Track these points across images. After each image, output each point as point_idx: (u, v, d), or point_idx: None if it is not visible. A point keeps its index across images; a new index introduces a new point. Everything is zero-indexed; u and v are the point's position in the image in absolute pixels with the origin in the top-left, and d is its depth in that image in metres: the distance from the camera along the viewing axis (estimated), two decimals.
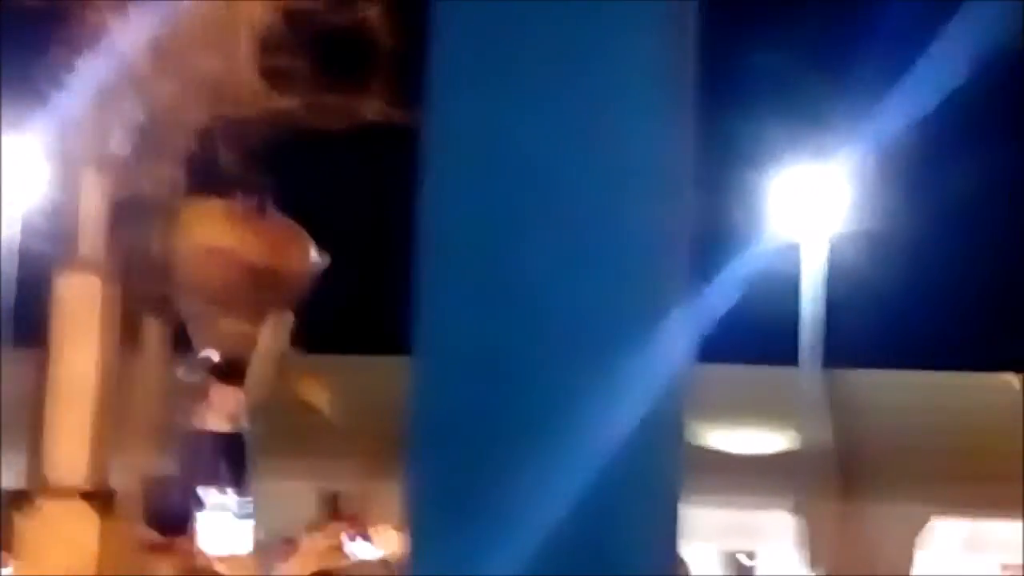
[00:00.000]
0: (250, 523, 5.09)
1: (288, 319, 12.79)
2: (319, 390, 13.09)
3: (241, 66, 10.24)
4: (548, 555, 2.00)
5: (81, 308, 11.17)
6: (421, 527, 2.08)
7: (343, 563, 6.01)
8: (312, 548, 5.96)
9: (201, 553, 4.99)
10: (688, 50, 2.20)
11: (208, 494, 5.14)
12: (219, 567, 5.05)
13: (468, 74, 2.14)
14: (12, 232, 19.84)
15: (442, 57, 2.16)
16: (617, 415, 1.99)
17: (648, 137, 2.14)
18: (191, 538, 5.10)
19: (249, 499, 5.32)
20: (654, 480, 2.08)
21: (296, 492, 15.47)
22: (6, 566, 7.88)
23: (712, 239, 19.09)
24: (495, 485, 2.03)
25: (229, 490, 5.67)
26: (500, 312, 2.07)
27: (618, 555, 2.03)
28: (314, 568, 5.92)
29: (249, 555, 5.16)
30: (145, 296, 10.51)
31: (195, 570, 5.23)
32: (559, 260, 2.09)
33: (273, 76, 10.56)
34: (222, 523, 5.09)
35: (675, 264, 2.17)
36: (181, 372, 12.54)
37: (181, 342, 12.24)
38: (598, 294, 2.07)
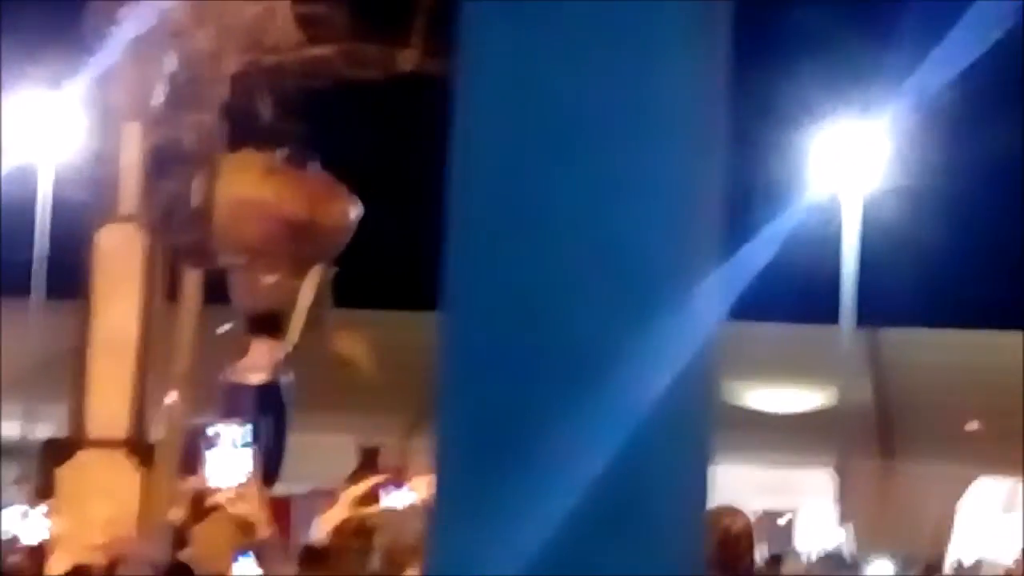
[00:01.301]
0: (250, 451, 5.13)
1: (328, 273, 12.80)
2: (358, 345, 13.10)
3: (277, 14, 10.23)
4: (579, 511, 1.98)
5: (122, 260, 11.21)
6: (449, 483, 2.06)
7: (377, 510, 6.02)
8: (348, 498, 5.97)
9: (210, 491, 5.01)
10: (721, 5, 2.17)
11: (215, 430, 5.15)
12: (227, 503, 5.06)
13: (499, 22, 2.11)
14: (49, 184, 19.95)
15: (474, 11, 2.13)
16: (649, 369, 1.97)
17: (681, 88, 2.11)
18: (200, 477, 5.12)
19: (249, 427, 5.34)
20: (687, 436, 2.06)
21: (337, 446, 15.53)
22: (47, 517, 7.94)
23: (752, 196, 19.00)
24: (523, 441, 2.01)
25: (232, 423, 5.70)
26: (530, 263, 2.05)
27: (651, 509, 2.01)
28: (350, 514, 5.93)
29: (255, 489, 5.18)
30: (183, 247, 10.53)
31: (204, 510, 5.24)
32: (590, 212, 2.06)
33: (310, 24, 10.54)
34: (227, 456, 5.12)
35: (708, 218, 2.15)
36: (222, 326, 12.58)
37: (220, 293, 12.27)
38: (629, 249, 2.05)
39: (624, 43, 2.04)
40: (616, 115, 2.02)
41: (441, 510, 1.99)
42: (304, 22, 10.49)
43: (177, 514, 5.28)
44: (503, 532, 1.94)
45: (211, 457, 5.23)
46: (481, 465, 1.98)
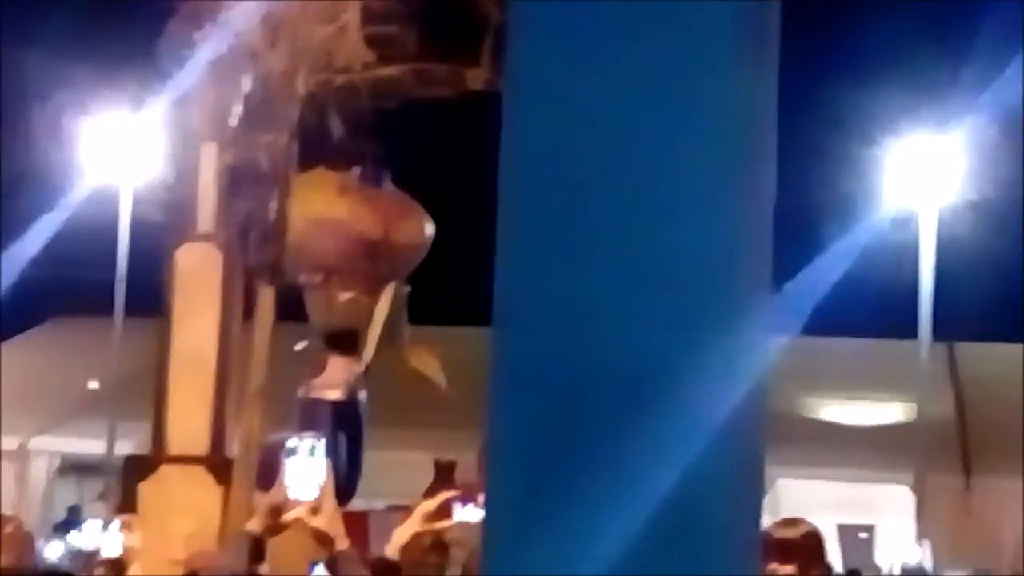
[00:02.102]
0: (324, 463, 5.19)
1: (403, 290, 12.90)
2: (432, 361, 13.19)
3: (348, 34, 10.34)
4: (632, 529, 2.00)
5: (200, 278, 11.35)
6: (501, 501, 2.08)
7: (450, 524, 6.07)
8: (420, 512, 6.02)
9: (288, 503, 5.08)
10: (771, 17, 2.19)
11: (293, 442, 5.23)
12: (304, 516, 5.12)
13: (547, 38, 2.15)
14: (129, 205, 20.22)
15: (522, 22, 2.17)
16: (700, 386, 1.99)
17: (728, 103, 2.13)
18: (279, 489, 5.19)
19: (324, 440, 5.41)
20: (739, 452, 2.07)
21: (413, 462, 15.61)
22: (129, 532, 8.07)
23: (829, 210, 18.94)
24: (573, 458, 2.03)
25: (311, 436, 5.76)
26: (579, 279, 2.08)
27: (705, 526, 2.02)
28: (419, 530, 5.97)
29: (332, 502, 5.24)
30: (258, 265, 10.66)
31: (281, 523, 5.30)
32: (638, 227, 2.09)
33: (380, 44, 10.64)
34: (304, 468, 5.18)
35: (757, 233, 2.17)
36: (299, 343, 12.71)
37: (297, 312, 12.41)
38: (679, 264, 2.07)
39: (671, 58, 2.07)
40: (664, 130, 2.05)
41: (493, 529, 2.02)
42: (374, 42, 10.59)
43: (254, 526, 5.37)
44: (554, 551, 1.97)
45: (289, 469, 5.30)
46: (532, 484, 2.01)
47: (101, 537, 7.99)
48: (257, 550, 5.65)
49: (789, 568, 5.02)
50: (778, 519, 5.54)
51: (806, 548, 5.29)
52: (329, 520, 5.37)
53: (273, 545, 6.41)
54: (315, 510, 5.32)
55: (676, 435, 2.01)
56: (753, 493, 2.12)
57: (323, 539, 5.34)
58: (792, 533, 5.25)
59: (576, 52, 2.09)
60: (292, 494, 5.32)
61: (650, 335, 2.02)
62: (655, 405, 2.01)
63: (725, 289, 2.05)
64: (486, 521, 2.09)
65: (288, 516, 5.36)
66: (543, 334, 2.04)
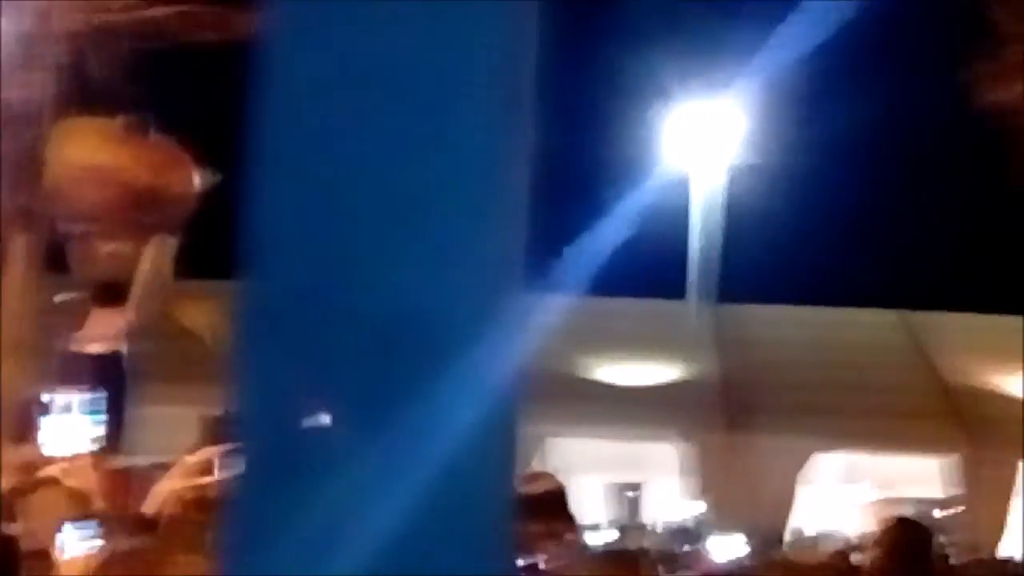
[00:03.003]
0: (98, 418, 4.98)
1: (171, 242, 12.58)
2: (200, 315, 12.92)
3: None
4: (383, 495, 1.90)
5: None
6: (250, 456, 1.96)
7: (213, 480, 5.91)
8: (182, 468, 5.85)
9: (43, 459, 4.85)
10: None
11: (52, 397, 5.00)
12: (61, 475, 4.91)
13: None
14: None
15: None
16: (452, 339, 1.90)
17: (485, 41, 2.02)
18: (32, 445, 4.97)
19: (99, 395, 5.19)
20: (494, 412, 1.99)
21: (179, 418, 15.31)
22: None
23: (606, 173, 19.09)
24: (322, 389, 1.92)
25: (67, 391, 5.53)
26: (330, 230, 1.97)
27: (457, 491, 1.93)
28: (179, 486, 5.80)
29: (91, 457, 5.04)
30: (12, 211, 10.29)
31: (32, 480, 5.09)
32: (392, 173, 1.99)
33: None
34: (66, 424, 4.96)
35: (513, 184, 2.09)
36: (59, 295, 12.32)
37: (55, 262, 12.03)
38: (432, 211, 1.98)
39: (433, 10, 1.97)
40: (419, 67, 1.96)
41: (241, 491, 1.90)
42: None
43: (6, 484, 5.12)
44: (305, 518, 1.86)
45: (44, 425, 5.06)
46: (280, 441, 1.89)
47: None
48: (8, 509, 5.39)
49: (536, 526, 4.99)
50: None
51: (550, 503, 5.27)
52: (85, 478, 5.16)
53: (26, 503, 6.16)
54: (73, 467, 5.11)
55: (430, 387, 1.93)
56: (508, 449, 2.05)
57: (79, 497, 5.13)
58: (535, 489, 5.22)
59: None
60: (49, 451, 5.09)
61: (402, 282, 1.93)
62: (408, 355, 1.93)
63: (480, 238, 1.97)
64: (235, 483, 1.97)
65: (42, 473, 5.13)
66: (292, 282, 1.94)
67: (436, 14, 2.01)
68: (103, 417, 10.50)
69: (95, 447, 5.79)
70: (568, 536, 5.65)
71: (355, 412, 1.95)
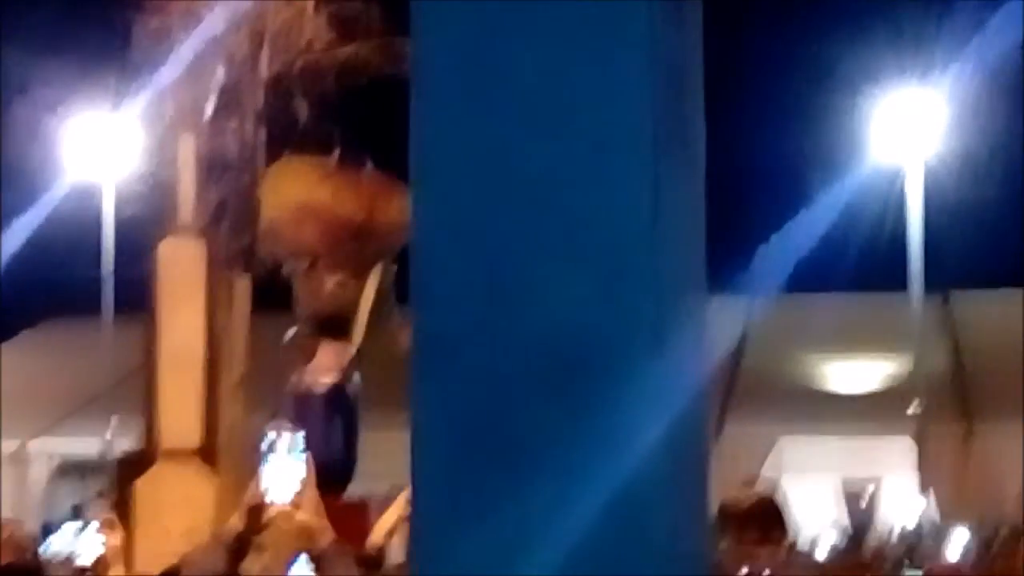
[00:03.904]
0: (303, 458, 5.13)
1: (390, 270, 12.84)
2: None
3: (308, 14, 10.27)
4: (570, 510, 1.89)
5: (183, 270, 11.31)
6: (427, 486, 1.98)
7: None
8: (405, 499, 5.94)
9: (268, 500, 5.00)
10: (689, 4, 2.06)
11: (271, 438, 5.15)
12: (289, 512, 5.05)
13: (456, 7, 2.02)
14: (111, 201, 20.12)
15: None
16: (634, 354, 1.89)
17: (646, 67, 1.99)
18: (257, 486, 5.12)
19: (301, 434, 5.33)
20: (679, 431, 1.97)
21: (406, 443, 15.55)
22: (111, 532, 7.97)
23: (812, 165, 18.87)
24: (497, 414, 1.93)
25: (291, 428, 5.67)
26: (494, 244, 1.98)
27: (646, 502, 1.91)
28: (405, 513, 5.91)
29: (313, 496, 5.17)
30: (233, 254, 10.61)
31: (262, 520, 5.24)
32: (552, 187, 1.98)
33: (342, 22, 10.57)
34: (283, 464, 5.11)
35: (684, 183, 2.06)
36: (288, 331, 12.65)
37: (278, 299, 12.35)
38: (599, 234, 1.96)
39: (581, 21, 1.95)
40: (573, 91, 1.95)
41: (421, 515, 1.94)
42: (336, 21, 10.52)
43: (235, 524, 5.29)
44: (486, 535, 1.88)
45: (268, 466, 5.22)
46: (458, 466, 1.92)
47: (78, 540, 7.92)
48: (240, 548, 5.58)
49: (752, 534, 4.96)
50: (742, 479, 5.48)
51: (764, 511, 5.23)
52: (312, 514, 5.30)
53: (256, 542, 6.35)
54: (297, 505, 5.25)
55: (609, 411, 1.93)
56: (697, 464, 2.03)
57: (307, 533, 5.27)
58: (746, 501, 5.20)
59: (487, 13, 1.99)
60: (273, 490, 5.25)
61: (572, 309, 1.93)
62: (581, 382, 1.93)
63: (648, 251, 1.95)
64: (414, 507, 2.01)
65: (271, 512, 5.29)
66: (462, 313, 1.96)
67: (593, 28, 1.99)
68: (337, 447, 10.74)
69: (312, 483, 5.92)
70: (784, 543, 5.62)
71: (536, 432, 1.96)
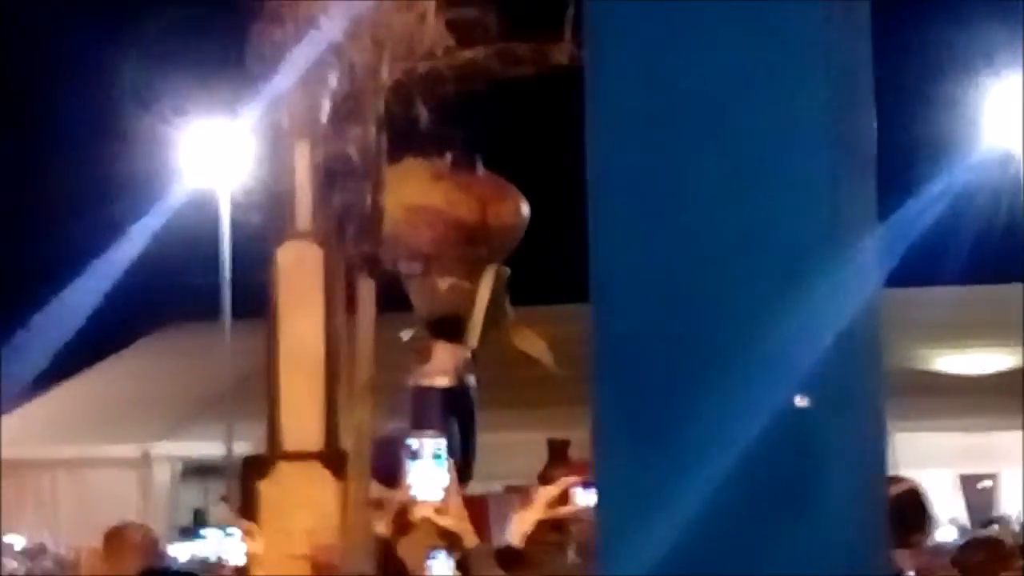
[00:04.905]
0: (445, 464, 5.22)
1: (504, 272, 12.94)
2: (537, 340, 13.22)
3: (428, 20, 10.38)
4: (747, 490, 1.97)
5: (302, 275, 11.47)
6: (610, 469, 2.07)
7: (572, 510, 6.08)
8: (543, 499, 6.03)
9: (414, 503, 5.11)
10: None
11: (418, 443, 5.25)
12: (435, 517, 5.15)
13: (630, 6, 2.11)
14: (228, 208, 20.44)
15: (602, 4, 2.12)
16: (807, 344, 1.96)
17: (821, 64, 2.08)
18: (404, 489, 5.23)
19: (444, 440, 5.43)
20: (855, 406, 2.04)
21: (525, 443, 15.68)
22: (251, 539, 8.17)
23: (925, 151, 18.69)
24: (682, 423, 2.02)
25: (433, 435, 5.77)
26: (674, 248, 2.06)
27: (821, 484, 1.98)
28: (544, 516, 5.99)
29: (458, 499, 5.27)
30: (358, 258, 10.75)
31: (408, 523, 5.35)
32: (730, 195, 2.06)
33: (460, 27, 10.67)
34: (429, 468, 5.21)
35: (858, 183, 2.13)
36: (404, 332, 12.80)
37: (399, 302, 12.50)
38: (774, 228, 2.03)
39: (756, 26, 2.02)
40: (756, 94, 2.02)
41: (604, 497, 2.03)
42: (455, 26, 10.62)
43: (382, 528, 5.40)
44: (668, 519, 1.96)
45: (414, 469, 5.32)
46: (640, 458, 2.01)
47: (223, 544, 8.11)
48: (385, 551, 5.71)
49: (897, 528, 4.97)
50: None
51: (906, 507, 5.23)
52: (456, 518, 5.41)
53: (401, 545, 6.47)
54: (442, 509, 5.36)
55: (786, 395, 1.98)
56: (874, 444, 2.08)
57: (451, 538, 5.38)
58: (893, 491, 5.21)
59: (659, 16, 2.05)
60: (419, 494, 5.37)
61: (751, 303, 1.99)
62: (761, 367, 1.98)
63: (825, 251, 2.01)
64: (599, 496, 2.08)
65: (415, 516, 5.40)
66: (642, 307, 2.02)
67: (770, 30, 2.04)
68: (455, 447, 10.86)
69: (455, 488, 6.02)
70: (927, 537, 5.62)
71: (707, 430, 2.02)
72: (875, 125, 2.08)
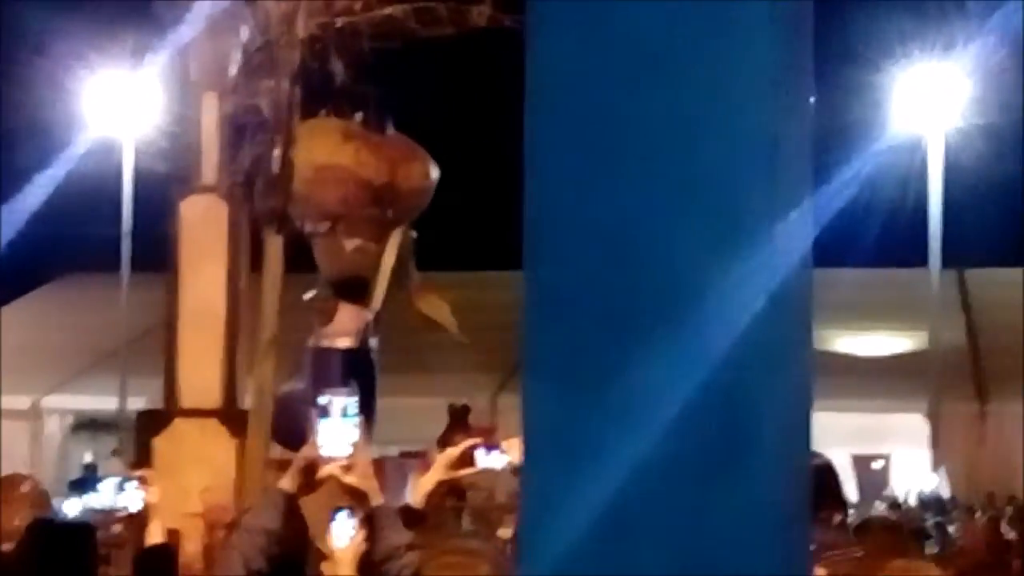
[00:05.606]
0: (355, 421, 5.16)
1: (410, 235, 12.81)
2: (441, 305, 13.12)
3: None
4: (676, 452, 1.93)
5: (206, 230, 11.30)
6: (539, 425, 2.02)
7: (474, 471, 6.03)
8: (444, 461, 5.98)
9: (322, 460, 5.04)
10: None
11: (327, 399, 5.18)
12: (341, 475, 5.09)
13: None
14: (132, 159, 20.15)
15: None
16: (741, 306, 1.92)
17: (765, 22, 2.03)
18: (311, 446, 5.16)
19: (355, 398, 5.36)
20: (784, 371, 2.00)
21: (426, 408, 15.61)
22: (147, 487, 8.04)
23: (833, 138, 18.81)
24: (615, 380, 1.96)
25: (345, 392, 5.70)
26: (613, 203, 2.00)
27: (750, 446, 1.94)
28: (446, 477, 5.93)
29: (365, 458, 5.21)
30: (264, 214, 10.58)
31: (315, 480, 5.26)
32: (673, 150, 2.01)
33: None
34: (337, 426, 5.14)
35: (796, 153, 2.08)
36: (307, 293, 12.65)
37: (306, 261, 12.35)
38: (715, 184, 1.99)
39: None
40: (697, 49, 1.96)
41: (531, 452, 1.97)
42: None
43: (287, 484, 5.33)
44: (597, 474, 1.91)
45: (323, 427, 5.25)
46: (571, 401, 1.95)
47: (118, 495, 7.97)
48: (290, 508, 5.61)
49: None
50: None
51: (818, 481, 5.22)
52: (363, 476, 5.33)
53: (307, 502, 6.39)
54: (348, 467, 5.28)
55: (718, 356, 1.95)
56: (801, 410, 2.06)
57: (358, 495, 5.30)
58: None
59: None
60: (326, 451, 5.28)
61: (689, 258, 1.95)
62: (695, 326, 1.94)
63: (764, 209, 1.97)
64: (526, 450, 2.03)
65: (322, 473, 5.32)
66: (577, 257, 1.98)
67: None
68: (358, 419, 10.75)
69: (364, 446, 5.98)
70: (837, 514, 5.62)
71: (642, 384, 1.97)
72: (812, 77, 2.03)
